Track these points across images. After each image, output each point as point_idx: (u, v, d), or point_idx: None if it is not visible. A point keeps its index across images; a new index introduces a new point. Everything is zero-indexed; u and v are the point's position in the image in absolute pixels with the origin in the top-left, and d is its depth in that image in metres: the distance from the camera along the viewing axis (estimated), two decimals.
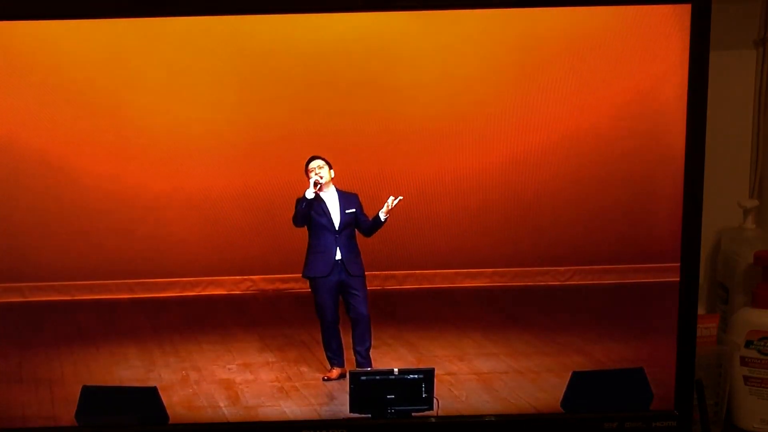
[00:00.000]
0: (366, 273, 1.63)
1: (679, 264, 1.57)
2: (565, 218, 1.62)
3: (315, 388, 1.67)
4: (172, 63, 1.53)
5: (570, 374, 1.62)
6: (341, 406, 1.62)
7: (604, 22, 1.52)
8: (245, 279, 1.65)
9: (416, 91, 1.55)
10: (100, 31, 1.51)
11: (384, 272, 1.65)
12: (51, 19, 1.50)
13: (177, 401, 1.63)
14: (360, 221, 1.63)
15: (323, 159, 1.59)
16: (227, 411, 1.63)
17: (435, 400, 1.60)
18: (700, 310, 1.66)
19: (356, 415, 1.60)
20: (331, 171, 1.61)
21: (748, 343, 1.73)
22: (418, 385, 1.60)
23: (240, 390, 1.65)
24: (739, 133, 1.94)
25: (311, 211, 1.63)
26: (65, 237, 1.61)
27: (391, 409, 1.60)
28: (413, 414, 1.61)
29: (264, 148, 1.58)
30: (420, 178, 1.59)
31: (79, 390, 1.61)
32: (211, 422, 1.62)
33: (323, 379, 1.68)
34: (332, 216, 1.65)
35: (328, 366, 1.69)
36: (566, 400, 1.63)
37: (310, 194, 1.61)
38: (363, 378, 1.60)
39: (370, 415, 1.60)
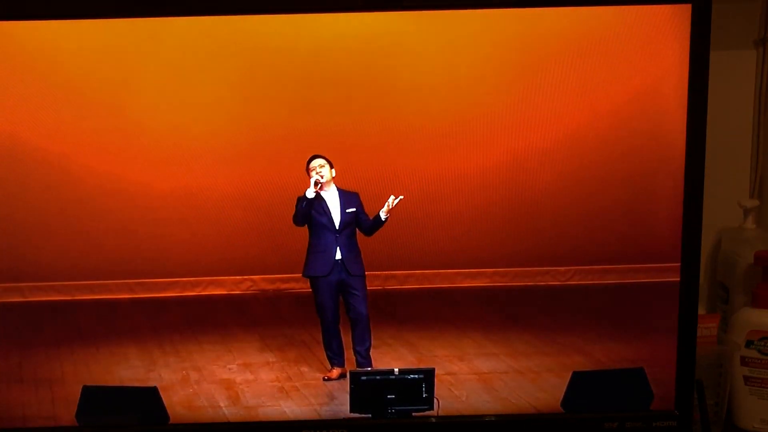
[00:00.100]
0: (367, 273, 1.63)
1: (679, 264, 1.57)
2: (566, 218, 1.62)
3: (315, 388, 1.67)
4: (172, 63, 1.53)
5: (570, 374, 1.62)
6: (341, 406, 1.62)
7: (605, 22, 1.52)
8: (245, 279, 1.65)
9: (417, 91, 1.55)
10: (100, 31, 1.51)
11: (385, 272, 1.65)
12: (51, 19, 1.50)
13: (177, 401, 1.63)
14: (361, 220, 1.63)
15: (324, 158, 1.59)
16: (227, 411, 1.63)
17: (435, 400, 1.60)
18: (701, 310, 1.66)
19: (356, 415, 1.60)
20: (332, 170, 1.61)
21: (749, 343, 1.73)
22: (419, 385, 1.60)
23: (240, 390, 1.65)
24: (739, 133, 1.94)
25: (312, 211, 1.63)
26: (65, 237, 1.61)
27: (391, 409, 1.60)
28: (413, 414, 1.61)
29: (264, 147, 1.58)
30: (420, 177, 1.59)
31: (80, 390, 1.61)
32: (211, 422, 1.62)
33: (323, 379, 1.69)
34: (333, 215, 1.65)
35: (329, 366, 1.69)
36: (566, 400, 1.63)
37: (310, 193, 1.61)
38: (363, 378, 1.60)
39: (370, 415, 1.60)
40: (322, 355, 1.69)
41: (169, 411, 1.61)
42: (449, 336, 1.70)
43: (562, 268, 1.66)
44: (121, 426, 1.63)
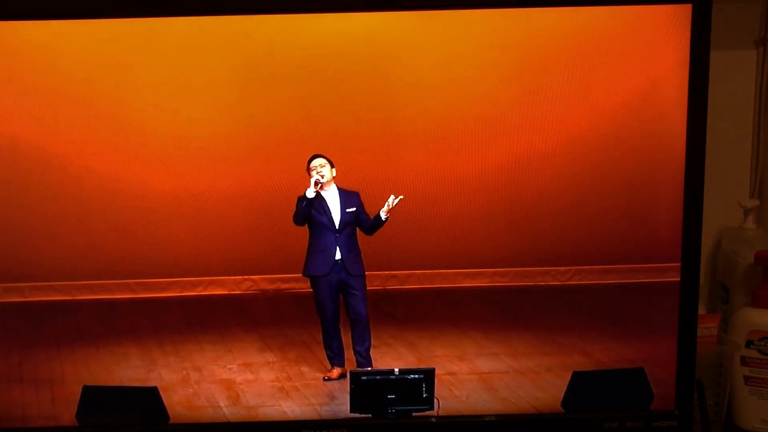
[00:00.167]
0: (367, 273, 1.63)
1: (679, 264, 1.57)
2: (566, 218, 1.62)
3: (315, 387, 1.67)
4: (172, 63, 1.53)
5: (570, 374, 1.62)
6: (342, 406, 1.62)
7: (605, 22, 1.52)
8: (246, 279, 1.65)
9: (417, 92, 1.55)
10: (100, 31, 1.51)
11: (385, 272, 1.65)
12: (51, 19, 1.50)
13: (177, 401, 1.63)
14: (361, 220, 1.63)
15: (325, 157, 1.59)
16: (228, 411, 1.63)
17: (435, 400, 1.60)
18: (701, 310, 1.66)
19: (357, 415, 1.60)
20: (333, 170, 1.61)
21: (749, 343, 1.73)
22: (419, 385, 1.60)
23: (240, 390, 1.65)
24: (740, 133, 1.94)
25: (312, 210, 1.63)
26: (66, 237, 1.61)
27: (391, 409, 1.60)
28: (414, 414, 1.61)
29: (265, 147, 1.58)
30: (421, 178, 1.59)
31: (80, 390, 1.61)
32: (211, 422, 1.62)
33: (324, 379, 1.69)
34: (333, 215, 1.65)
35: (329, 366, 1.69)
36: (567, 400, 1.63)
37: (310, 193, 1.61)
38: (363, 378, 1.60)
39: (370, 415, 1.60)
40: (323, 355, 1.69)
41: (169, 411, 1.61)
42: (449, 336, 1.70)
43: (562, 268, 1.66)
44: (122, 426, 1.63)
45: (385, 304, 1.67)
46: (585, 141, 1.57)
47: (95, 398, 1.61)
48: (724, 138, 1.87)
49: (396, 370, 1.60)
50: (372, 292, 1.64)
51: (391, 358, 1.68)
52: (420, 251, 1.64)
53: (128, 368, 1.65)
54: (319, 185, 1.60)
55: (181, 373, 1.66)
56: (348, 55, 1.53)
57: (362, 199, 1.62)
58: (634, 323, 1.64)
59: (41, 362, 1.65)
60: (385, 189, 1.59)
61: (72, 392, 1.62)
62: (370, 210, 1.62)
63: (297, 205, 1.60)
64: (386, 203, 1.59)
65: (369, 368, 1.67)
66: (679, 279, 1.57)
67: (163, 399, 1.61)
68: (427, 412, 1.61)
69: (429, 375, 1.60)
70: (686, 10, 1.48)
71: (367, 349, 1.68)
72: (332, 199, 1.64)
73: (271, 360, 1.68)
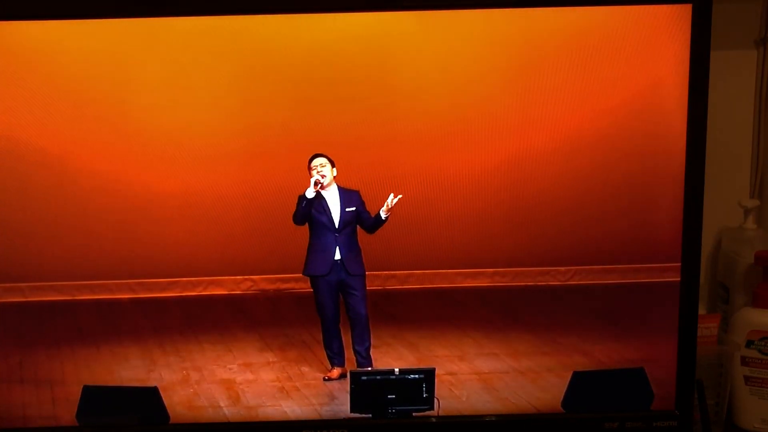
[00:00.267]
0: (367, 273, 1.63)
1: (679, 264, 1.57)
2: (566, 218, 1.62)
3: (316, 387, 1.67)
4: (172, 63, 1.53)
5: (571, 374, 1.62)
6: (342, 405, 1.62)
7: (605, 22, 1.52)
8: (246, 279, 1.65)
9: (417, 91, 1.55)
10: (100, 31, 1.51)
11: (385, 272, 1.65)
12: (51, 19, 1.50)
13: (178, 401, 1.63)
14: (363, 218, 1.63)
15: (326, 157, 1.59)
16: (228, 411, 1.63)
17: (436, 400, 1.60)
18: (701, 310, 1.66)
19: (357, 415, 1.60)
20: (334, 169, 1.60)
21: (749, 343, 1.73)
22: (419, 385, 1.60)
23: (241, 390, 1.65)
24: (740, 133, 1.94)
25: (311, 210, 1.63)
26: (66, 237, 1.61)
27: (391, 409, 1.60)
28: (414, 414, 1.61)
29: (265, 147, 1.58)
30: (421, 177, 1.59)
31: (80, 390, 1.61)
32: (211, 422, 1.62)
33: (324, 379, 1.69)
34: (332, 214, 1.65)
35: (329, 366, 1.69)
36: (567, 400, 1.63)
37: (310, 194, 1.60)
38: (364, 378, 1.60)
39: (370, 415, 1.60)
40: (323, 355, 1.69)
41: (169, 411, 1.61)
42: (450, 336, 1.70)
43: (562, 268, 1.66)
44: (122, 426, 1.63)
45: (385, 304, 1.67)
46: (585, 141, 1.57)
47: (95, 398, 1.61)
48: (724, 138, 1.87)
49: (396, 370, 1.60)
50: (372, 292, 1.64)
51: (391, 358, 1.68)
52: (420, 251, 1.64)
53: (128, 368, 1.65)
54: (319, 185, 1.60)
55: (181, 373, 1.66)
56: (348, 55, 1.53)
57: (362, 198, 1.62)
58: (634, 323, 1.64)
59: (41, 362, 1.65)
60: (385, 189, 1.59)
61: (72, 392, 1.62)
62: (370, 209, 1.62)
63: (297, 205, 1.60)
64: (386, 203, 1.59)
65: (369, 368, 1.67)
66: (679, 279, 1.57)
67: (164, 399, 1.61)
68: (428, 412, 1.61)
69: (429, 375, 1.60)
70: (686, 10, 1.48)
71: (367, 349, 1.68)
72: (332, 198, 1.64)
73: (271, 360, 1.68)
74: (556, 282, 1.66)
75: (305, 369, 1.68)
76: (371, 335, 1.67)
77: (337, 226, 1.66)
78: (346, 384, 1.61)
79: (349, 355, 1.69)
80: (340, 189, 1.63)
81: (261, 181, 1.59)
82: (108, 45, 1.51)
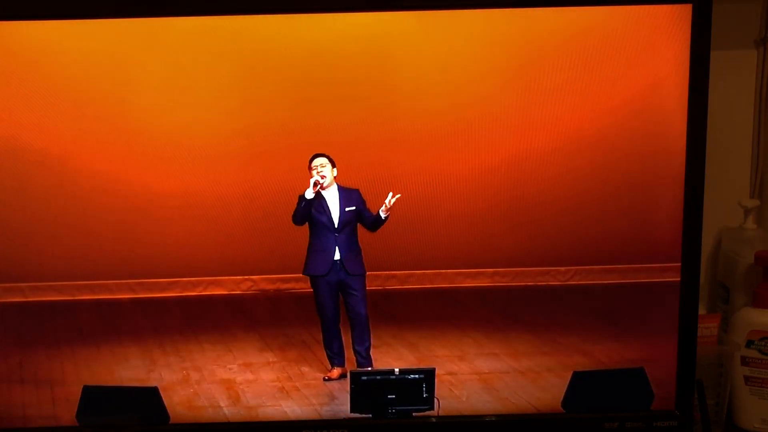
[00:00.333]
0: (367, 273, 1.63)
1: (679, 264, 1.57)
2: (566, 218, 1.62)
3: (316, 388, 1.67)
4: (172, 63, 1.53)
5: (571, 374, 1.62)
6: (342, 406, 1.62)
7: (605, 22, 1.52)
8: (246, 279, 1.65)
9: (417, 91, 1.55)
10: (100, 31, 1.51)
11: (385, 272, 1.65)
12: (51, 19, 1.50)
13: (178, 401, 1.63)
14: (363, 216, 1.63)
15: (327, 157, 1.59)
16: (228, 411, 1.63)
17: (436, 400, 1.60)
18: (701, 310, 1.66)
19: (357, 415, 1.60)
20: (334, 169, 1.60)
21: (749, 343, 1.73)
22: (419, 385, 1.60)
23: (241, 390, 1.65)
24: (740, 133, 1.94)
25: (311, 210, 1.63)
26: (66, 237, 1.61)
27: (391, 409, 1.60)
28: (414, 414, 1.61)
29: (265, 147, 1.58)
30: (421, 177, 1.59)
31: (80, 390, 1.61)
32: (211, 422, 1.62)
33: (324, 379, 1.69)
34: (332, 214, 1.65)
35: (329, 366, 1.69)
36: (567, 400, 1.63)
37: (309, 195, 1.60)
38: (364, 378, 1.60)
39: (370, 415, 1.60)
40: (323, 355, 1.69)
41: (169, 411, 1.61)
42: (450, 336, 1.70)
43: (563, 268, 1.66)
44: (122, 426, 1.63)
45: (385, 304, 1.67)
46: (585, 141, 1.57)
47: (95, 398, 1.61)
48: (724, 138, 1.87)
49: (396, 370, 1.60)
50: (372, 292, 1.64)
51: (391, 358, 1.68)
52: (420, 251, 1.63)
53: (129, 368, 1.65)
54: (318, 186, 1.60)
55: (181, 373, 1.66)
56: (348, 55, 1.53)
57: (363, 197, 1.62)
58: (634, 323, 1.64)
59: (41, 362, 1.65)
60: (385, 189, 1.59)
61: (72, 392, 1.62)
62: (371, 208, 1.62)
63: (297, 204, 1.60)
64: (384, 202, 1.59)
65: (369, 368, 1.67)
66: (679, 279, 1.57)
67: (164, 399, 1.61)
68: (428, 412, 1.61)
69: (429, 375, 1.60)
70: (686, 10, 1.48)
71: (367, 349, 1.68)
72: (332, 198, 1.64)
73: (271, 360, 1.68)
74: (556, 282, 1.66)
75: (305, 369, 1.68)
76: (371, 335, 1.67)
77: (336, 226, 1.66)
78: (346, 384, 1.61)
79: (349, 355, 1.69)
80: (340, 188, 1.63)
81: (261, 181, 1.59)
82: (108, 45, 1.51)
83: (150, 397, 1.61)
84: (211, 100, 1.55)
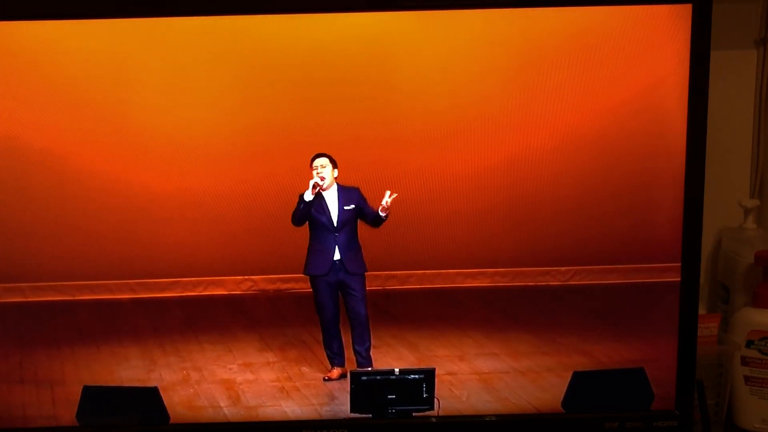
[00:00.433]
0: (367, 273, 1.63)
1: (679, 264, 1.57)
2: (566, 218, 1.62)
3: (316, 388, 1.67)
4: (172, 63, 1.53)
5: (571, 374, 1.62)
6: (342, 406, 1.62)
7: (605, 22, 1.52)
8: (246, 279, 1.65)
9: (418, 91, 1.55)
10: (100, 31, 1.51)
11: (385, 272, 1.65)
12: (51, 19, 1.50)
13: (178, 401, 1.63)
14: (365, 213, 1.63)
15: (328, 157, 1.59)
16: (228, 411, 1.63)
17: (436, 400, 1.61)
18: (701, 310, 1.66)
19: (357, 415, 1.60)
20: (335, 170, 1.60)
21: (749, 343, 1.73)
22: (419, 385, 1.60)
23: (241, 390, 1.65)
24: (740, 133, 1.94)
25: (311, 210, 1.63)
26: (66, 237, 1.61)
27: (391, 409, 1.60)
28: (414, 414, 1.61)
29: (265, 147, 1.58)
30: (422, 177, 1.59)
31: (80, 390, 1.61)
32: (212, 422, 1.62)
33: (324, 379, 1.69)
34: (331, 214, 1.65)
35: (329, 366, 1.69)
36: (567, 400, 1.63)
37: (308, 197, 1.60)
38: (364, 378, 1.60)
39: (370, 415, 1.60)
40: (323, 355, 1.69)
41: (169, 411, 1.61)
42: (450, 336, 1.70)
43: (563, 268, 1.66)
44: (122, 426, 1.63)
45: (385, 304, 1.67)
46: (585, 141, 1.57)
47: (96, 398, 1.61)
48: (724, 138, 1.87)
49: (396, 370, 1.60)
50: (372, 292, 1.64)
51: (391, 358, 1.68)
52: (420, 251, 1.63)
53: (129, 368, 1.65)
54: (318, 188, 1.60)
55: (181, 373, 1.66)
56: (348, 55, 1.53)
57: (363, 195, 1.61)
58: (634, 323, 1.64)
59: (42, 362, 1.65)
60: (385, 188, 1.59)
61: (72, 392, 1.62)
62: (372, 206, 1.61)
63: (297, 204, 1.60)
64: (382, 203, 1.59)
65: (369, 368, 1.67)
66: (679, 279, 1.57)
67: (164, 399, 1.61)
68: (428, 412, 1.61)
69: (429, 375, 1.60)
70: (686, 10, 1.48)
71: (367, 349, 1.68)
72: (331, 198, 1.64)
73: (271, 360, 1.68)
74: (556, 282, 1.66)
75: (305, 369, 1.68)
76: (371, 335, 1.67)
77: (335, 225, 1.66)
78: (346, 384, 1.61)
79: (349, 355, 1.69)
80: (339, 188, 1.63)
81: (261, 181, 1.59)
82: (108, 45, 1.51)
83: (150, 397, 1.61)
84: (211, 100, 1.55)
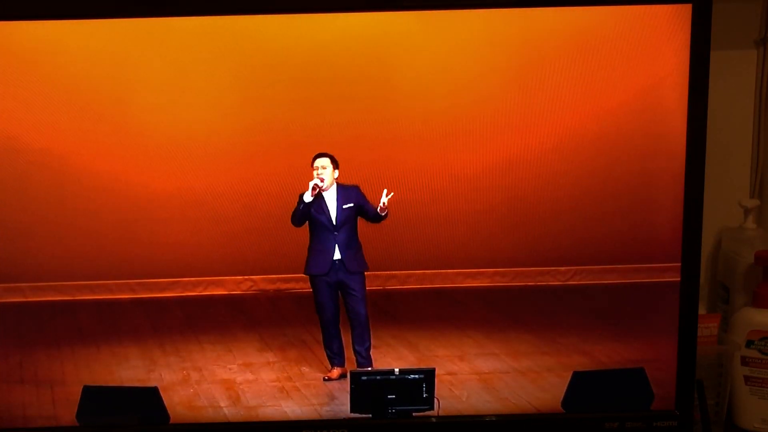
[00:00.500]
0: (367, 273, 1.63)
1: (679, 264, 1.57)
2: (566, 218, 1.62)
3: (316, 388, 1.67)
4: (173, 63, 1.53)
5: (571, 374, 1.62)
6: (342, 406, 1.62)
7: (605, 22, 1.52)
8: (246, 279, 1.65)
9: (418, 91, 1.55)
10: (100, 31, 1.51)
11: (385, 272, 1.65)
12: (51, 19, 1.50)
13: (178, 401, 1.63)
14: (365, 210, 1.62)
15: (330, 157, 1.58)
16: (228, 411, 1.63)
17: (436, 400, 1.61)
18: (701, 310, 1.66)
19: (357, 415, 1.60)
20: (336, 171, 1.60)
21: (749, 343, 1.73)
22: (419, 385, 1.60)
23: (241, 390, 1.65)
24: (740, 133, 1.94)
25: (311, 210, 1.63)
26: (66, 237, 1.61)
27: (391, 409, 1.60)
28: (414, 414, 1.61)
29: (265, 147, 1.58)
30: (421, 177, 1.59)
31: (80, 390, 1.61)
32: (212, 422, 1.62)
33: (324, 379, 1.68)
34: (330, 213, 1.65)
35: (329, 366, 1.69)
36: (567, 400, 1.63)
37: (307, 198, 1.60)
38: (364, 378, 1.60)
39: (370, 415, 1.60)
40: (323, 355, 1.69)
41: (169, 411, 1.61)
42: (450, 336, 1.70)
43: (563, 268, 1.66)
44: (122, 426, 1.63)
45: (385, 304, 1.67)
46: (585, 141, 1.57)
47: (96, 398, 1.61)
48: (724, 138, 1.87)
49: (396, 370, 1.60)
50: (372, 292, 1.64)
51: (391, 358, 1.68)
52: (420, 251, 1.63)
53: (129, 368, 1.65)
54: (317, 190, 1.60)
55: (181, 373, 1.66)
56: (348, 54, 1.53)
57: (363, 192, 1.61)
58: (634, 323, 1.64)
59: (42, 362, 1.65)
60: (385, 188, 1.59)
61: (72, 392, 1.62)
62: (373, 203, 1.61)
63: (297, 204, 1.60)
64: (380, 203, 1.59)
65: (369, 368, 1.67)
66: (679, 279, 1.57)
67: (164, 399, 1.61)
68: (428, 412, 1.61)
69: (429, 375, 1.60)
70: (686, 10, 1.48)
71: (367, 349, 1.68)
72: (330, 197, 1.64)
73: (271, 360, 1.68)
74: (556, 282, 1.66)
75: (305, 369, 1.68)
76: (371, 335, 1.67)
77: (335, 223, 1.65)
78: (346, 384, 1.61)
79: (349, 355, 1.69)
80: (338, 186, 1.63)
81: (261, 181, 1.59)
82: (108, 45, 1.51)
83: (150, 397, 1.61)
84: (211, 100, 1.55)
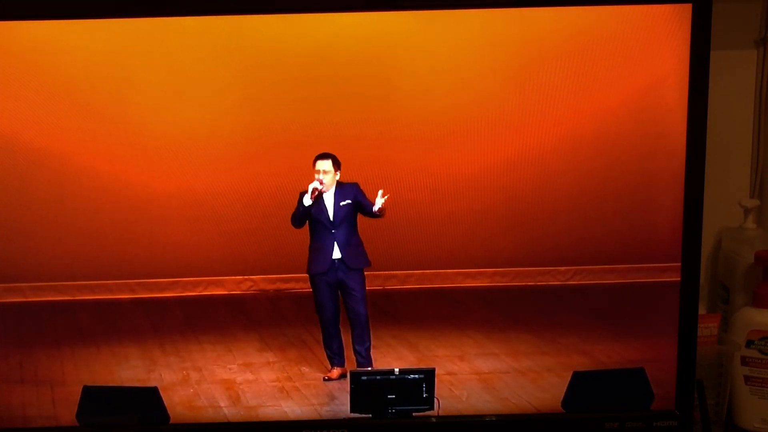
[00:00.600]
0: (367, 273, 1.63)
1: (679, 264, 1.57)
2: (566, 218, 1.62)
3: (316, 388, 1.67)
4: (173, 63, 1.53)
5: (571, 374, 1.62)
6: (342, 406, 1.62)
7: (605, 21, 1.52)
8: (246, 279, 1.65)
9: (418, 91, 1.55)
10: (100, 31, 1.51)
11: (385, 272, 1.65)
12: (51, 19, 1.50)
13: (178, 401, 1.63)
14: (363, 205, 1.62)
15: (332, 158, 1.58)
16: (228, 411, 1.63)
17: (436, 400, 1.60)
18: (701, 310, 1.66)
19: (357, 415, 1.60)
20: (338, 173, 1.60)
21: (749, 343, 1.73)
22: (419, 385, 1.60)
23: (241, 390, 1.65)
24: (740, 133, 1.94)
25: (311, 211, 1.63)
26: (66, 237, 1.61)
27: (391, 409, 1.60)
28: (414, 414, 1.61)
29: (265, 147, 1.58)
30: (421, 177, 1.59)
31: (80, 390, 1.61)
32: (211, 422, 1.62)
33: (324, 379, 1.68)
34: (328, 212, 1.65)
35: (329, 366, 1.69)
36: (567, 400, 1.63)
37: (307, 201, 1.60)
38: (364, 378, 1.60)
39: (370, 415, 1.60)
40: (323, 355, 1.69)
41: (169, 411, 1.61)
42: (450, 336, 1.70)
43: (562, 268, 1.66)
44: (122, 426, 1.63)
45: (385, 304, 1.67)
46: (585, 141, 1.57)
47: (96, 398, 1.61)
48: (724, 138, 1.87)
49: (396, 370, 1.60)
50: (372, 292, 1.64)
51: (391, 358, 1.68)
52: (420, 251, 1.63)
53: (129, 368, 1.65)
54: (317, 193, 1.60)
55: (181, 373, 1.66)
56: (348, 54, 1.53)
57: (362, 189, 1.61)
58: (634, 323, 1.64)
59: (41, 362, 1.65)
60: (385, 188, 1.59)
61: (72, 392, 1.62)
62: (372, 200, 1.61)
63: (297, 204, 1.60)
64: (377, 203, 1.59)
65: (369, 368, 1.67)
66: (679, 279, 1.57)
67: (164, 399, 1.61)
68: (428, 412, 1.61)
69: (429, 375, 1.60)
70: (686, 10, 1.48)
71: (367, 349, 1.68)
72: (328, 195, 1.64)
73: (271, 360, 1.68)
74: (556, 282, 1.66)
75: (305, 369, 1.68)
76: (371, 335, 1.67)
77: (332, 221, 1.65)
78: (346, 384, 1.61)
79: (349, 355, 1.69)
80: (337, 183, 1.63)
81: (261, 181, 1.59)
82: (108, 45, 1.51)
83: (150, 397, 1.61)
84: (211, 99, 1.55)
